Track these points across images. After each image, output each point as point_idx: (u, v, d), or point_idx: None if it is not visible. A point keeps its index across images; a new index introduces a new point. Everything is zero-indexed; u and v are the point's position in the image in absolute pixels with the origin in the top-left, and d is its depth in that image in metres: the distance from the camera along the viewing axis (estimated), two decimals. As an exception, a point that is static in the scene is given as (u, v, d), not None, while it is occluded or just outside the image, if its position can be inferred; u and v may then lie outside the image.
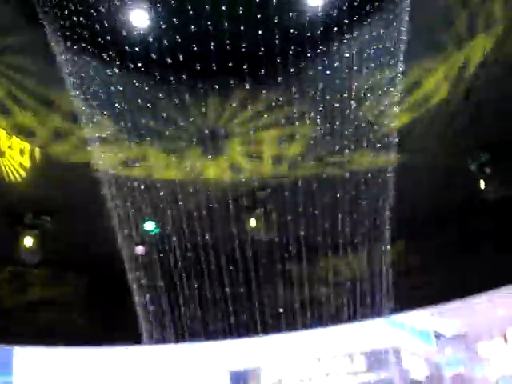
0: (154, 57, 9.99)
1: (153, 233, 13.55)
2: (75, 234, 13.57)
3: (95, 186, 11.80)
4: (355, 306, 15.22)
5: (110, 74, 10.27)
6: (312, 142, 12.06)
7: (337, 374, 16.88)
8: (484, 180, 13.20)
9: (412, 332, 18.82)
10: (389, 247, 14.12)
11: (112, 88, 10.36)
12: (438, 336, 20.68)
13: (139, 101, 10.62)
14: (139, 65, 10.20)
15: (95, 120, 10.82)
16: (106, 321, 15.62)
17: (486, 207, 13.45)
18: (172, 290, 14.37)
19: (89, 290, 16.27)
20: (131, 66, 10.15)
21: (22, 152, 11.65)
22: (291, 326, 15.51)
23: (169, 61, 9.93)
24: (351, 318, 15.49)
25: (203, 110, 11.22)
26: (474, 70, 10.85)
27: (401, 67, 10.69)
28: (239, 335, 15.74)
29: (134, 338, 14.60)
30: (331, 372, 16.87)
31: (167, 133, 11.46)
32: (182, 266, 14.00)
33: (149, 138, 11.40)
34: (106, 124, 11.13)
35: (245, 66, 10.22)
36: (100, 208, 12.18)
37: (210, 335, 15.16)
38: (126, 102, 10.60)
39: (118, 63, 10.15)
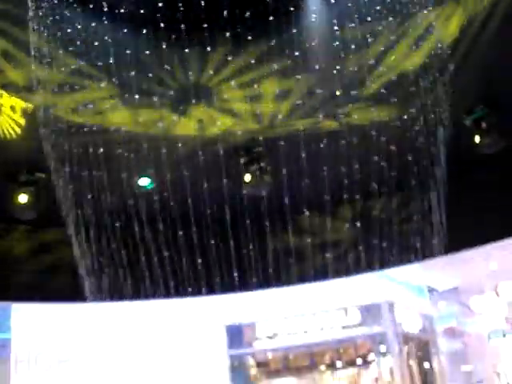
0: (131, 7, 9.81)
1: (148, 188, 13.56)
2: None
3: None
4: (351, 260, 15.35)
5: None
6: (306, 95, 11.98)
7: (331, 328, 17.16)
8: (480, 135, 13.13)
9: (405, 286, 19.08)
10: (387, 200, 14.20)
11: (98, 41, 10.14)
12: (430, 290, 20.98)
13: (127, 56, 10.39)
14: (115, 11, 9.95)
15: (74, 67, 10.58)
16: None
17: (483, 160, 13.42)
18: (165, 246, 14.44)
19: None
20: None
21: (13, 109, 11.55)
22: (286, 280, 15.66)
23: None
24: (346, 272, 15.61)
25: (191, 63, 11.04)
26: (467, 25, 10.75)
27: (393, 18, 10.58)
28: (234, 290, 15.92)
29: (128, 293, 14.70)
30: (325, 326, 17.15)
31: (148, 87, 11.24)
32: (175, 222, 14.04)
33: (137, 96, 11.20)
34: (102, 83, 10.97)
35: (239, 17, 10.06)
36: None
37: (204, 290, 15.30)
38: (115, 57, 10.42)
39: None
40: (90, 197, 12.76)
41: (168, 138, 12.41)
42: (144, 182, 13.71)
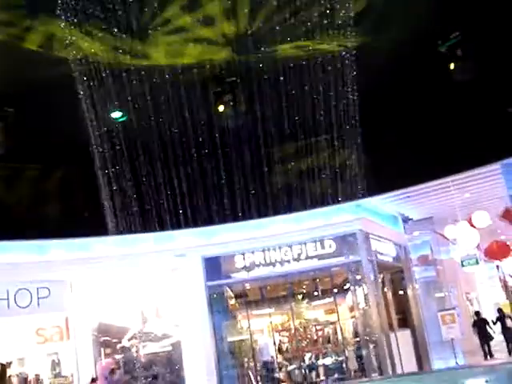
0: None
1: (120, 120, 13.34)
2: (40, 125, 13.26)
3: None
4: (325, 190, 15.38)
5: None
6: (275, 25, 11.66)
7: (307, 258, 17.38)
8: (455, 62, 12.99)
9: (380, 216, 19.31)
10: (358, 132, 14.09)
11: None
12: (405, 220, 21.31)
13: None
14: None
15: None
16: (74, 213, 15.60)
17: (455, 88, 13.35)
18: (141, 180, 14.36)
19: (58, 182, 16.14)
20: None
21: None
22: (263, 212, 15.74)
23: None
24: (322, 202, 15.68)
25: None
26: None
27: None
28: (212, 222, 15.99)
29: (104, 229, 14.69)
30: (302, 256, 17.36)
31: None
32: (152, 155, 13.93)
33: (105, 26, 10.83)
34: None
35: None
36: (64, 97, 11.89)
37: (183, 223, 15.33)
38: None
39: None
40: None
41: (138, 69, 12.12)
42: (116, 114, 13.48)
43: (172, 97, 12.73)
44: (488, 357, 19.35)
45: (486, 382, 9.20)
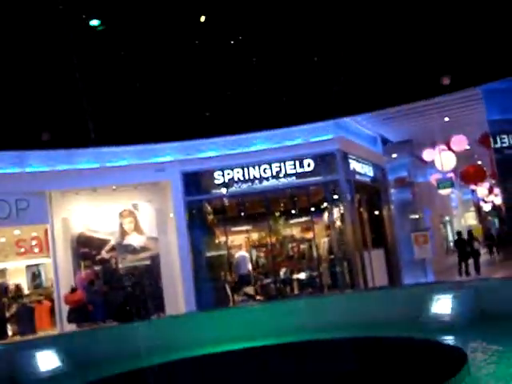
0: None
1: (99, 29, 12.99)
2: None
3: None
4: (305, 108, 15.30)
5: None
6: None
7: (286, 176, 17.51)
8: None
9: (360, 137, 19.41)
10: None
11: None
12: (384, 141, 21.46)
13: None
14: None
15: None
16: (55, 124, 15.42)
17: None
18: (123, 92, 14.17)
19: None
20: None
21: None
22: (242, 128, 15.71)
23: None
24: (301, 119, 15.65)
25: None
26: None
27: None
28: (192, 137, 15.96)
29: (84, 141, 14.57)
30: (280, 174, 17.48)
31: None
32: (134, 66, 13.67)
33: None
34: None
35: None
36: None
37: (163, 137, 15.27)
38: None
39: None
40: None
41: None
42: (95, 22, 13.13)
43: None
44: (464, 274, 20.39)
45: (455, 297, 9.58)
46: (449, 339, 8.29)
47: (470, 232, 23.18)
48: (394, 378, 5.35)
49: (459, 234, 22.66)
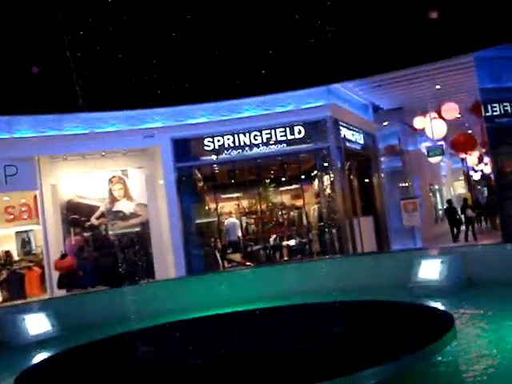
0: None
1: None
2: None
3: None
4: (296, 73, 15.14)
5: None
6: None
7: (276, 143, 17.46)
8: None
9: (351, 104, 19.32)
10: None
11: None
12: (375, 109, 21.38)
13: None
14: None
15: None
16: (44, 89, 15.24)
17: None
18: (112, 56, 13.96)
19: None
20: None
21: None
22: (233, 94, 15.57)
23: None
24: (291, 86, 15.52)
25: None
26: None
27: None
28: (182, 103, 15.82)
29: (74, 106, 14.41)
30: (271, 141, 17.42)
31: None
32: (122, 29, 13.44)
33: None
34: None
35: None
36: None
37: (153, 102, 15.12)
38: None
39: None
40: None
41: None
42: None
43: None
44: (458, 240, 20.86)
45: (442, 262, 9.66)
46: (436, 304, 8.40)
47: (465, 200, 23.56)
48: (380, 340, 5.40)
49: (449, 202, 22.90)
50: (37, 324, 9.60)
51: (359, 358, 4.85)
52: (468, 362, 5.59)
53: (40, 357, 7.97)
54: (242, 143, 17.41)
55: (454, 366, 5.54)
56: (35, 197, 17.22)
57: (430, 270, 9.55)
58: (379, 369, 4.63)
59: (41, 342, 9.22)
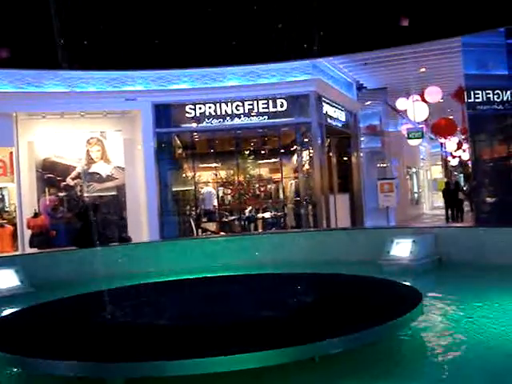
0: None
1: None
2: None
3: None
4: (282, 46, 15.01)
5: None
6: None
7: (258, 115, 17.37)
8: None
9: (335, 81, 19.24)
10: None
11: None
12: (359, 87, 21.34)
13: None
14: None
15: None
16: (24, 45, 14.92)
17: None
18: (97, 14, 13.69)
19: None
20: None
21: None
22: (216, 61, 15.40)
23: None
24: (277, 58, 15.37)
25: None
26: None
27: None
28: (165, 66, 15.63)
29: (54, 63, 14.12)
30: (252, 112, 17.32)
31: None
32: None
33: None
34: None
35: None
36: None
37: (135, 64, 14.91)
38: None
39: None
40: None
41: None
42: None
43: None
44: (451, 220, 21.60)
45: (414, 241, 9.73)
46: (405, 282, 8.48)
47: (457, 183, 24.25)
48: (347, 312, 5.44)
49: (448, 184, 23.74)
50: (5, 279, 9.50)
51: (325, 328, 4.88)
52: (433, 337, 5.66)
53: (4, 312, 7.89)
54: (223, 112, 17.29)
55: (419, 341, 5.60)
56: (11, 154, 16.95)
57: (402, 248, 9.62)
58: (342, 339, 4.66)
59: (8, 297, 9.13)
